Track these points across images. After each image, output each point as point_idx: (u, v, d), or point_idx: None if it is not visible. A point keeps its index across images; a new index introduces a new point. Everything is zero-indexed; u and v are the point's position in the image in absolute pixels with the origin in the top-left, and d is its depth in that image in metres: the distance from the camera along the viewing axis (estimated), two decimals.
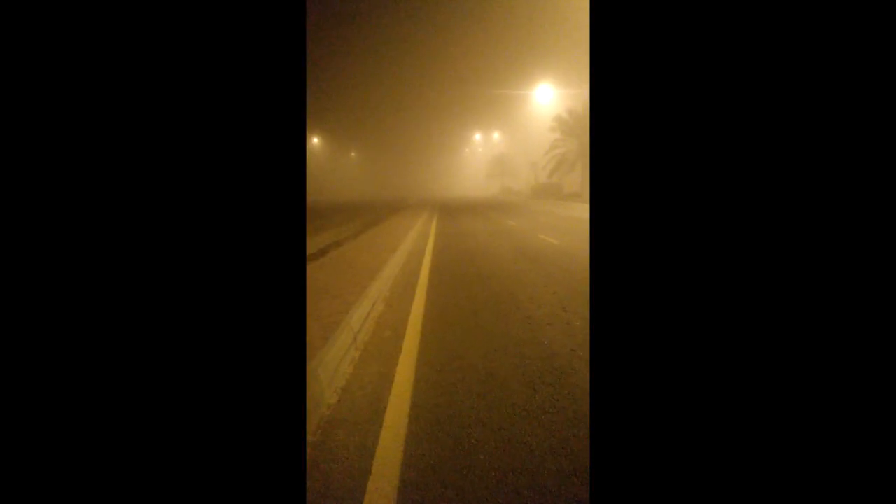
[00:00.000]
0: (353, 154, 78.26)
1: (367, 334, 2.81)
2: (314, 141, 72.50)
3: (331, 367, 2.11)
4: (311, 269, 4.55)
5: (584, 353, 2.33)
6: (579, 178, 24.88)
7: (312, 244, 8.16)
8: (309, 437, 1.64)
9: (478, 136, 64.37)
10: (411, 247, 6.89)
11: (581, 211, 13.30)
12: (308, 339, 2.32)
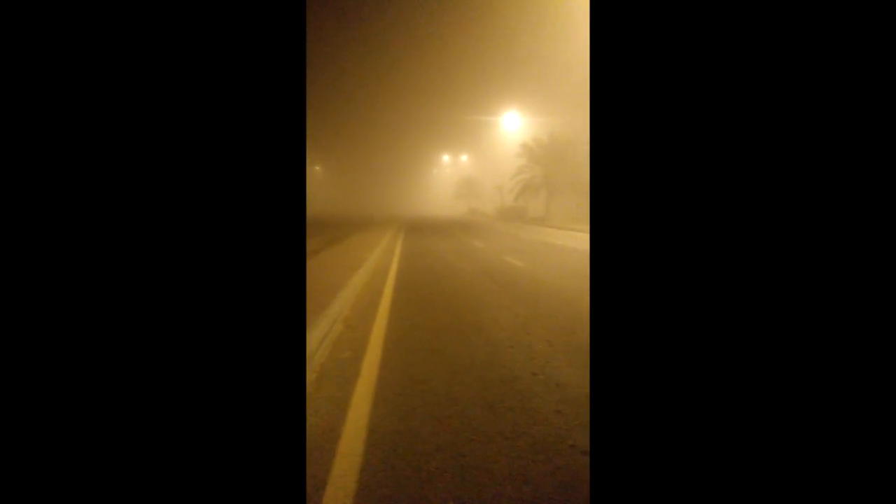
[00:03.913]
0: (317, 168, 76.88)
1: (324, 357, 2.70)
2: None
3: None
4: None
5: (545, 376, 2.34)
6: (543, 204, 25.77)
7: None
8: None
9: (446, 158, 65.45)
10: (374, 266, 6.78)
11: (545, 235, 13.66)
12: None
